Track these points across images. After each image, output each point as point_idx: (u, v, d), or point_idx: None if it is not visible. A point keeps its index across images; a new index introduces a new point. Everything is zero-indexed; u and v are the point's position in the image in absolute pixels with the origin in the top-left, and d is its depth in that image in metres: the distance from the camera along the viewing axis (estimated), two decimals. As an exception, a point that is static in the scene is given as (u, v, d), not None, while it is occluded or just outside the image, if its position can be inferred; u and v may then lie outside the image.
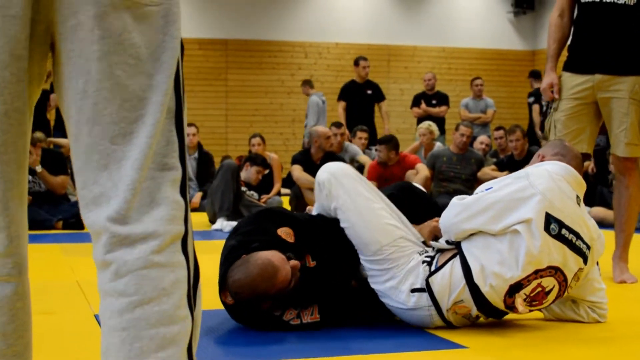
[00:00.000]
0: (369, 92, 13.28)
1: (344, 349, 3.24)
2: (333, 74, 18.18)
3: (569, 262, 3.36)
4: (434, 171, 9.99)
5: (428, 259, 3.51)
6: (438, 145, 12.04)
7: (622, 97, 4.83)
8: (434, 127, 11.83)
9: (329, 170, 3.70)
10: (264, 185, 10.29)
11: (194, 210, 11.06)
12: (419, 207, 3.94)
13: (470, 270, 3.37)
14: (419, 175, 9.45)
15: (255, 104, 17.49)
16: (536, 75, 15.04)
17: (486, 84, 14.61)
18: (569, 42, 5.09)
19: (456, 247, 3.47)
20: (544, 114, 4.82)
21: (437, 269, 3.44)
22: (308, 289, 3.52)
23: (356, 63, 13.41)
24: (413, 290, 3.47)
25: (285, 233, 3.60)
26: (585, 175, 9.39)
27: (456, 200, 3.53)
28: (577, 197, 3.47)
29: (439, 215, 3.72)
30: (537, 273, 3.31)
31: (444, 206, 3.87)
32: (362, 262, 3.59)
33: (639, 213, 5.12)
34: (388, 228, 3.56)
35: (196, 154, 11.41)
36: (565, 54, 5.10)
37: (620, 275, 4.83)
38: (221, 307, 3.58)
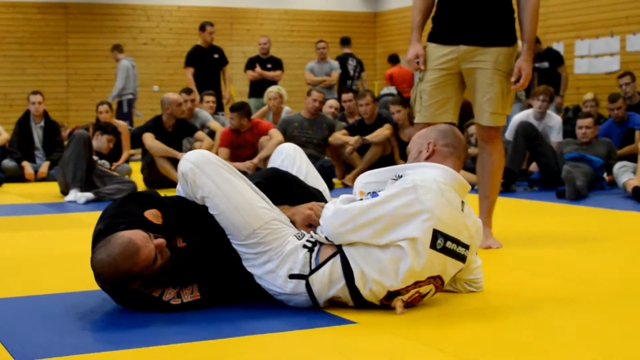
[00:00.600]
0: (216, 56, 13.18)
1: (235, 330, 3.22)
2: (176, 37, 17.98)
3: (449, 269, 3.41)
4: (285, 136, 10.00)
5: (309, 245, 3.45)
6: (286, 110, 12.05)
7: (486, 68, 4.94)
8: (283, 91, 11.83)
9: (190, 160, 3.57)
10: (114, 153, 10.11)
11: (42, 180, 10.79)
12: (289, 193, 3.83)
13: (352, 273, 3.35)
14: (272, 141, 9.45)
15: (97, 69, 17.13)
16: (345, 41, 15.46)
17: (329, 46, 14.69)
18: (432, 14, 5.15)
19: (336, 246, 3.42)
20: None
21: (318, 267, 3.39)
22: (183, 268, 3.47)
23: (202, 28, 13.25)
24: (291, 276, 3.41)
25: (152, 215, 3.53)
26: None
27: (340, 205, 3.43)
28: (462, 202, 3.45)
29: (311, 200, 3.72)
30: (417, 284, 3.34)
31: (314, 192, 3.87)
32: (235, 246, 3.52)
33: (501, 179, 5.27)
34: (259, 211, 3.48)
35: (42, 123, 11.09)
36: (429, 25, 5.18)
37: (486, 240, 4.96)
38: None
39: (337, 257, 3.38)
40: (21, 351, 2.95)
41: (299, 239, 3.47)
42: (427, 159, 3.59)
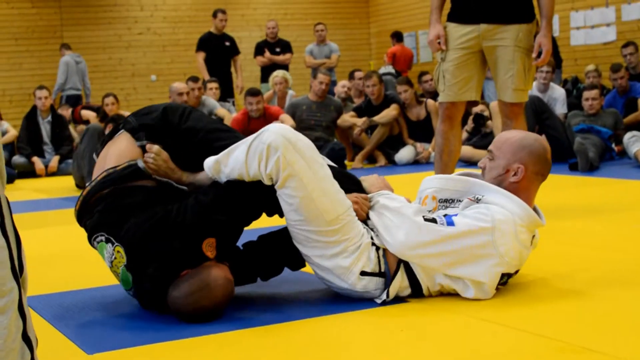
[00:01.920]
0: (227, 44, 13.22)
1: (286, 317, 3.27)
2: (170, 25, 17.96)
3: None
4: (294, 120, 10.05)
5: (375, 243, 3.37)
6: (291, 93, 12.11)
7: (507, 45, 5.02)
8: (288, 75, 11.90)
9: (282, 133, 3.25)
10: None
11: (53, 174, 10.85)
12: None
13: (420, 287, 3.35)
14: (283, 126, 9.48)
15: (94, 60, 17.09)
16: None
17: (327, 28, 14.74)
18: None
19: None
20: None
21: (392, 277, 3.33)
22: None
23: (214, 15, 13.30)
24: (363, 273, 3.33)
25: (210, 248, 3.28)
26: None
27: (416, 220, 3.27)
28: (532, 237, 3.41)
29: (353, 191, 3.53)
30: None
31: (356, 180, 3.66)
32: (306, 234, 3.32)
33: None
34: (341, 196, 3.34)
35: (50, 117, 11.14)
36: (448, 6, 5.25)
37: None
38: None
39: (402, 267, 3.33)
40: (88, 343, 3.02)
41: (368, 233, 3.39)
42: (513, 183, 3.40)
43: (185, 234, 3.23)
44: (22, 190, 9.10)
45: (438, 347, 2.80)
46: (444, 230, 3.25)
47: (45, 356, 2.93)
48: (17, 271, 2.04)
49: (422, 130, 10.24)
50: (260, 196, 3.36)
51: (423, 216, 3.31)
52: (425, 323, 3.07)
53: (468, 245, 3.23)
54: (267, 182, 3.30)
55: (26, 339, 2.05)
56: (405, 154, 10.10)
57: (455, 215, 3.31)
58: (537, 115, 8.95)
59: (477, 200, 3.35)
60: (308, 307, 3.37)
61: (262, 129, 3.32)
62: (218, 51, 13.08)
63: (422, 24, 17.79)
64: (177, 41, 17.92)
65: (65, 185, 9.23)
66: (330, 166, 3.59)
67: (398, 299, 3.36)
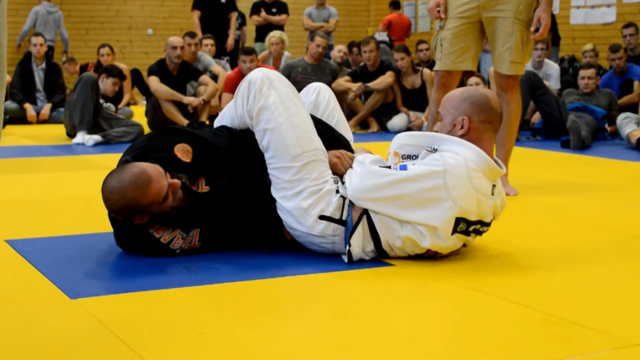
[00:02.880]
0: (223, 1, 13.11)
1: (272, 273, 3.28)
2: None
3: (469, 242, 3.46)
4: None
5: (343, 193, 3.42)
6: (287, 55, 12.07)
7: (506, 17, 5.00)
8: (285, 36, 11.85)
9: (263, 71, 3.52)
10: (118, 96, 10.11)
11: (44, 122, 10.81)
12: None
13: (379, 238, 3.37)
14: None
15: (92, 11, 17.02)
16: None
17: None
18: None
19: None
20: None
21: (354, 227, 3.36)
22: (194, 213, 3.45)
23: None
24: (322, 217, 3.38)
25: (182, 150, 3.47)
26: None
27: (369, 167, 3.37)
28: (494, 186, 3.38)
29: (339, 148, 3.64)
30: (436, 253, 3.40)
31: (342, 140, 3.76)
32: (271, 171, 3.46)
33: (518, 128, 5.36)
34: (311, 136, 3.46)
35: (44, 65, 11.09)
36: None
37: (503, 188, 5.02)
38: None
39: (365, 219, 3.37)
40: (71, 288, 3.01)
41: (335, 183, 3.43)
42: (463, 136, 3.41)
43: (164, 130, 3.64)
44: (12, 136, 9.07)
45: (423, 312, 2.81)
46: (396, 173, 3.30)
47: (28, 299, 2.94)
48: None
49: (417, 99, 10.22)
50: (243, 143, 3.60)
51: (380, 165, 3.40)
52: (409, 288, 3.08)
53: (420, 189, 3.24)
54: (247, 120, 3.54)
55: None
56: (398, 121, 10.09)
57: (413, 164, 3.34)
58: (532, 90, 8.93)
59: (434, 151, 3.38)
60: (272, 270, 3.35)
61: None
62: (214, 8, 12.97)
63: (422, -7, 17.71)
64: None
65: (56, 133, 9.21)
66: (324, 124, 3.71)
67: (379, 263, 3.37)
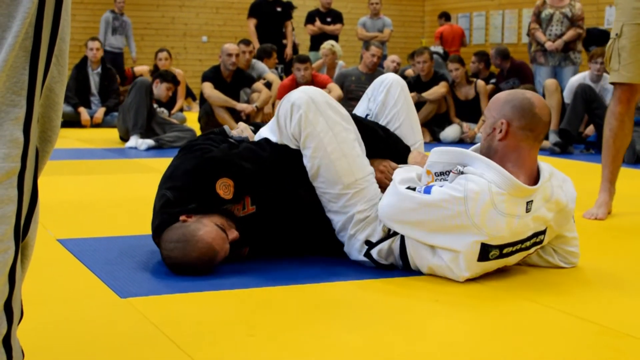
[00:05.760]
0: (279, 9, 13.14)
1: (321, 279, 3.28)
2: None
3: (519, 258, 3.33)
4: (342, 90, 10.02)
5: None
6: (340, 64, 12.07)
7: None
8: (337, 47, 11.84)
9: (308, 93, 3.37)
10: (171, 101, 10.18)
11: (97, 126, 10.91)
12: (367, 143, 3.58)
13: (408, 261, 3.31)
14: (331, 95, 9.45)
15: (147, 17, 17.15)
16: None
17: (382, 2, 14.65)
18: None
19: None
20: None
21: (381, 239, 3.34)
22: (243, 234, 3.37)
23: None
24: (367, 242, 3.35)
25: (224, 186, 3.34)
26: None
27: (398, 189, 3.23)
28: (527, 203, 3.15)
29: (387, 158, 3.63)
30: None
31: (394, 148, 3.70)
32: (322, 196, 3.43)
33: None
34: (363, 161, 3.40)
35: (99, 69, 11.19)
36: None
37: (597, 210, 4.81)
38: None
39: (398, 238, 3.31)
40: (121, 288, 3.03)
41: None
42: (501, 140, 3.20)
43: (204, 163, 3.36)
44: (66, 139, 9.15)
45: (474, 320, 2.78)
46: (419, 197, 3.16)
47: (78, 298, 2.95)
48: (20, 233, 1.77)
49: (470, 110, 10.17)
50: (286, 158, 3.47)
51: (407, 186, 3.26)
52: (460, 296, 3.05)
53: (442, 215, 3.10)
54: (292, 142, 3.44)
55: (8, 309, 1.76)
56: (450, 132, 10.04)
57: (441, 186, 3.19)
58: (587, 103, 8.82)
59: (460, 173, 3.20)
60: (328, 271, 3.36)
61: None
62: (269, 17, 12.99)
63: (476, 5, 17.64)
64: (230, 4, 17.90)
65: (110, 137, 9.28)
66: (382, 127, 3.73)
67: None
